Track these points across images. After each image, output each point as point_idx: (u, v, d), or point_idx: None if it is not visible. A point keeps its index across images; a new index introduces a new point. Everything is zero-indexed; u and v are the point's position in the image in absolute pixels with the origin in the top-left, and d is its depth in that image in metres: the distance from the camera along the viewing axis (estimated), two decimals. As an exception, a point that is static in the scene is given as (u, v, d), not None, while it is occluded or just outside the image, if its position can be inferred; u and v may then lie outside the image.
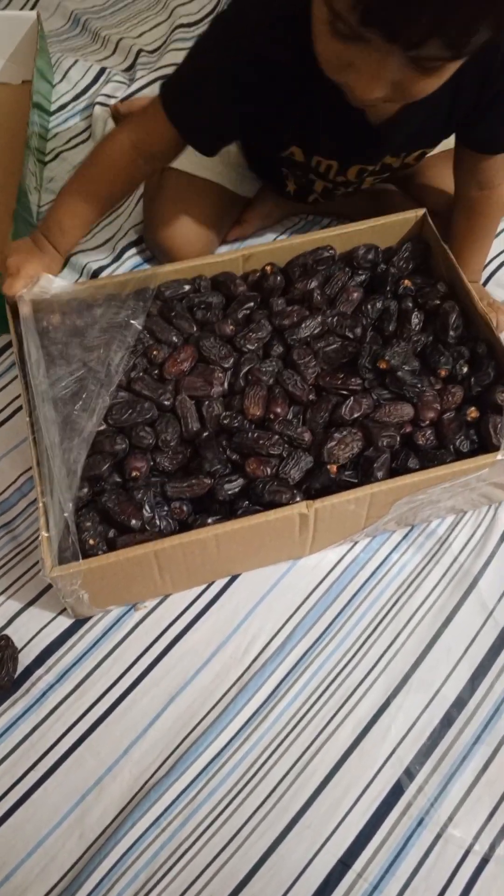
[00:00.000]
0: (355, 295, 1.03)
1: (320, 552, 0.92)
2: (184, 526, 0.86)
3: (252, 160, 1.16)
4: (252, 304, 1.03)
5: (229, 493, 0.86)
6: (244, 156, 1.16)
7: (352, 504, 0.84)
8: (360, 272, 1.06)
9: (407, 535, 0.94)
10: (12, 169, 1.20)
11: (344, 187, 1.06)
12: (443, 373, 0.96)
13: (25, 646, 0.86)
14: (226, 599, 0.89)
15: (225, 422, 0.91)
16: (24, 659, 0.85)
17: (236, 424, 0.91)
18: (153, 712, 0.82)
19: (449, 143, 1.02)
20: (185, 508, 0.87)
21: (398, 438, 0.90)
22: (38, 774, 0.79)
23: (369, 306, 1.01)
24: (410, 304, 1.01)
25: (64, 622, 0.88)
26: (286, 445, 0.89)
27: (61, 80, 1.50)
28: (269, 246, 1.07)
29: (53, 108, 1.49)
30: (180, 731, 0.81)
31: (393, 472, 0.87)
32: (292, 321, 0.99)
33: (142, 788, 0.77)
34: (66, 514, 0.79)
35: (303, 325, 0.99)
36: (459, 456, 0.89)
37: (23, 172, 1.19)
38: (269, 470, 0.87)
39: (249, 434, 0.88)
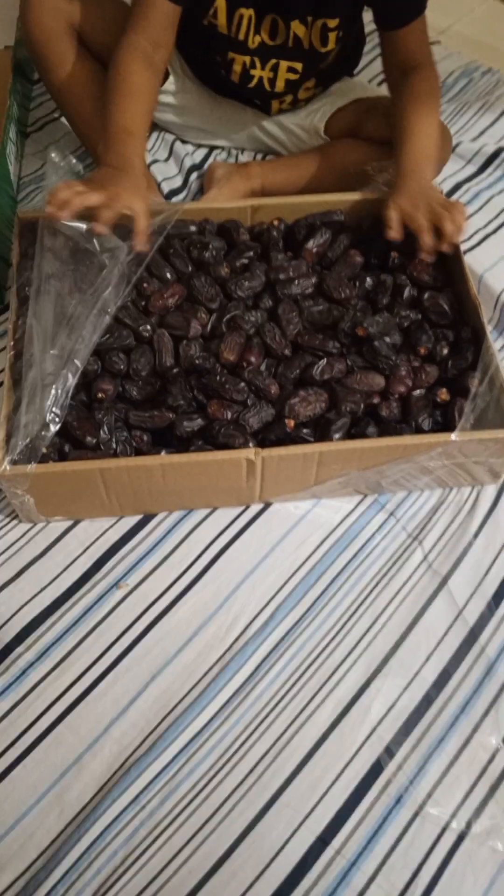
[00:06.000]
0: (358, 259, 1.03)
1: (302, 536, 0.92)
2: (141, 455, 0.88)
3: (190, 61, 1.20)
4: (252, 253, 1.04)
5: (188, 430, 0.88)
6: (185, 62, 1.20)
7: (299, 459, 0.85)
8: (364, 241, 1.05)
9: (389, 517, 0.94)
10: (-7, 138, 1.17)
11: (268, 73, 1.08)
12: (423, 351, 0.96)
13: (6, 623, 0.86)
14: (209, 579, 0.89)
15: (197, 362, 0.92)
16: (4, 636, 0.85)
17: (208, 366, 0.92)
18: (134, 690, 0.82)
19: None
20: (144, 438, 0.90)
21: (362, 406, 0.91)
22: (18, 752, 0.78)
23: (365, 279, 1.01)
24: (407, 280, 1.00)
25: (45, 600, 0.87)
26: (252, 395, 0.91)
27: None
28: (280, 201, 1.08)
29: (37, 75, 1.45)
30: (161, 710, 0.81)
31: (350, 438, 0.89)
32: (287, 276, 1.00)
33: (122, 766, 0.77)
34: (24, 421, 0.82)
35: (296, 282, 0.99)
36: (419, 433, 0.90)
37: (2, 141, 1.16)
38: (229, 414, 0.88)
39: (217, 377, 0.90)
